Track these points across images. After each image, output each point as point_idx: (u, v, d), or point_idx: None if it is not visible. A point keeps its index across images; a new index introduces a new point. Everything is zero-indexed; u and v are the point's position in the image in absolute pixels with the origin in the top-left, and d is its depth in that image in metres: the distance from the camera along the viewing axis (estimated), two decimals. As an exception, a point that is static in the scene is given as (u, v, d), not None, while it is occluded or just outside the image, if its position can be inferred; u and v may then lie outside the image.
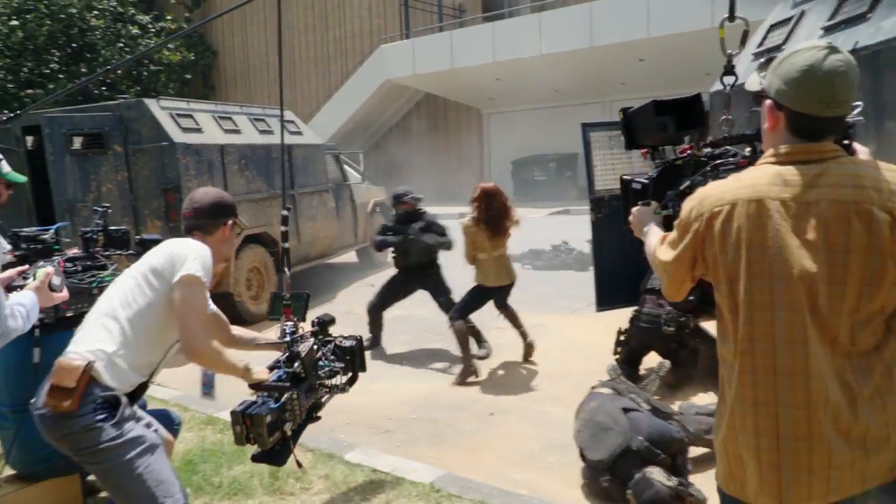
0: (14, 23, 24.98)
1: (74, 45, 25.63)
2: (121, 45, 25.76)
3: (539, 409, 4.65)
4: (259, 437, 2.37)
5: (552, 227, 12.75)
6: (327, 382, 2.71)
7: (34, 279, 2.45)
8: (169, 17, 27.91)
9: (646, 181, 2.39)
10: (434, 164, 23.40)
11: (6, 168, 3.32)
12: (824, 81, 1.51)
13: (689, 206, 1.68)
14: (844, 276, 1.48)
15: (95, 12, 25.81)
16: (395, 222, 6.35)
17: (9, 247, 2.78)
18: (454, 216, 9.72)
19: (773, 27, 3.86)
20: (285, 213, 2.95)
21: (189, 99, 7.67)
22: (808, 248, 1.50)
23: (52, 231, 2.90)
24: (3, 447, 2.89)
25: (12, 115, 4.17)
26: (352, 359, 2.85)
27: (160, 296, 2.33)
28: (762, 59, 3.81)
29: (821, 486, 1.50)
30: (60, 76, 25.17)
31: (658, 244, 1.81)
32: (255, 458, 2.55)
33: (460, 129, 25.40)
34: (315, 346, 2.72)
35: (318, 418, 2.75)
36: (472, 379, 5.34)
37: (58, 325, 2.79)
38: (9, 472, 3.04)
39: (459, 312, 5.59)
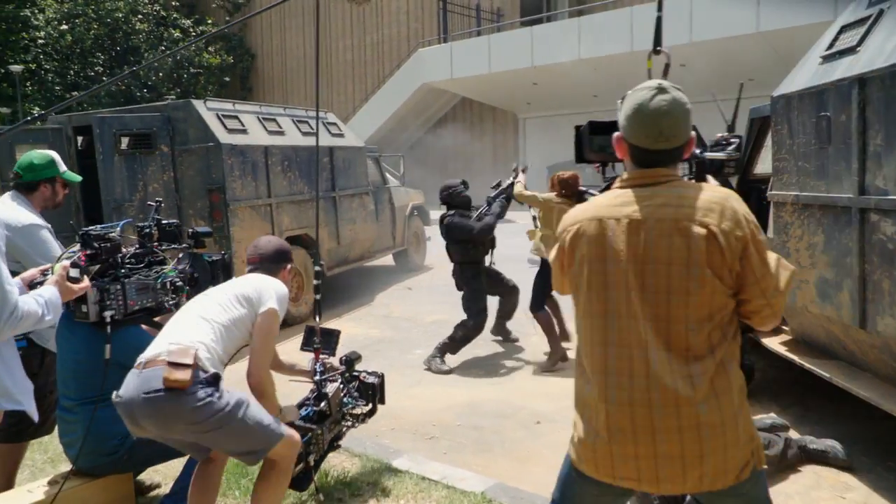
0: (64, 27, 25.63)
1: (119, 48, 26.17)
2: (163, 48, 26.23)
3: (587, 418, 4.53)
4: None
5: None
6: (348, 416, 3.16)
7: (52, 274, 2.57)
8: (210, 21, 28.35)
9: (595, 194, 2.56)
10: (470, 168, 23.35)
11: (63, 167, 3.34)
12: (650, 119, 1.72)
13: (562, 222, 1.92)
14: (668, 285, 1.68)
15: (140, 16, 26.33)
16: (458, 215, 5.85)
17: (75, 248, 2.78)
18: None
19: (844, 28, 3.71)
20: (318, 268, 3.42)
21: (234, 100, 7.72)
22: (638, 261, 1.70)
23: (118, 228, 2.91)
24: (68, 440, 2.89)
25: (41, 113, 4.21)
26: (373, 394, 3.30)
27: (243, 316, 2.72)
28: (832, 62, 3.67)
29: (648, 471, 1.71)
30: (104, 78, 25.72)
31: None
32: None
33: (496, 133, 25.34)
34: (341, 386, 3.18)
35: (339, 447, 3.22)
36: (559, 365, 5.60)
37: (125, 321, 2.82)
38: (62, 468, 3.04)
39: (537, 301, 5.75)
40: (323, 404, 3.03)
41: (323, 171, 8.29)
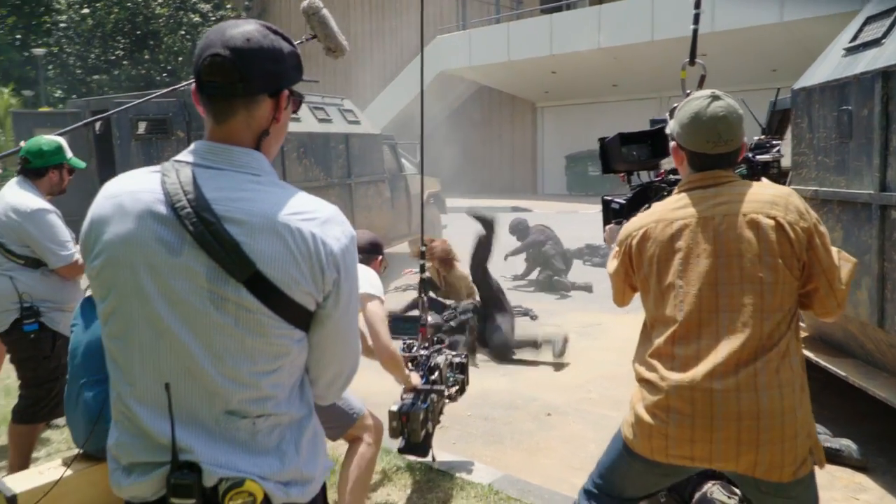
0: (85, 11, 25.78)
1: (139, 32, 26.27)
2: (182, 32, 26.30)
3: (597, 411, 4.52)
4: (414, 431, 3.01)
5: (607, 224, 12.48)
6: (446, 392, 3.30)
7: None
8: (229, 6, 28.37)
9: (623, 202, 2.66)
10: (487, 156, 23.29)
11: (70, 154, 3.35)
12: (708, 125, 1.82)
13: (623, 230, 2.01)
14: (741, 276, 1.76)
15: (160, 1, 26.40)
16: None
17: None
18: (507, 209, 9.68)
19: (870, 19, 3.62)
20: (423, 248, 3.69)
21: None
22: (710, 256, 1.79)
23: None
24: (81, 423, 2.91)
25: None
26: (463, 370, 3.49)
27: None
28: (856, 55, 3.59)
29: (702, 452, 1.79)
30: (125, 62, 25.87)
31: (610, 258, 2.11)
32: (402, 451, 3.15)
33: (514, 121, 25.20)
34: (447, 360, 3.39)
35: (440, 421, 3.35)
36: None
37: None
38: (68, 452, 3.07)
39: None
40: (435, 374, 3.24)
41: (338, 158, 8.28)
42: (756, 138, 2.75)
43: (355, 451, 2.79)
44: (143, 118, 6.59)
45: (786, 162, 4.76)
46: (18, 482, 2.82)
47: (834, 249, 1.83)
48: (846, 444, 3.57)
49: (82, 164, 3.47)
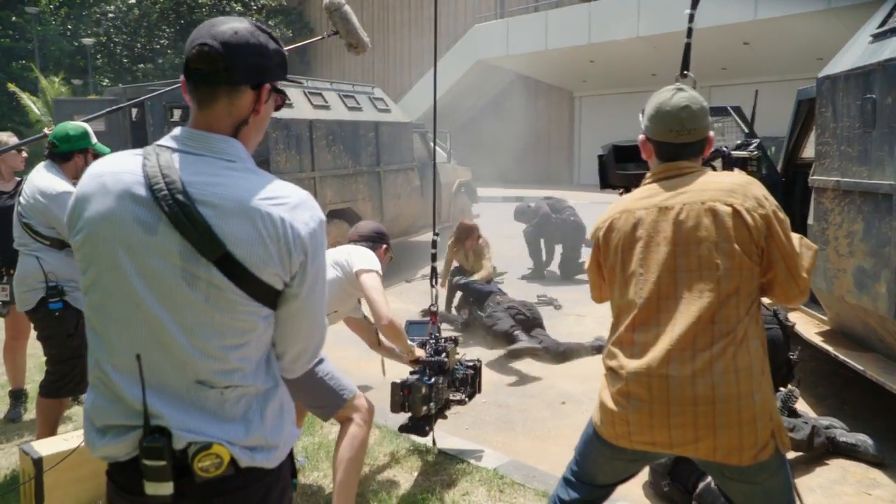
0: (131, 1, 26.39)
1: (183, 21, 26.78)
2: (225, 21, 26.74)
3: (613, 401, 4.50)
4: (414, 404, 3.05)
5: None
6: (452, 397, 3.38)
7: None
8: (270, -5, 28.70)
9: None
10: (524, 146, 23.13)
11: (94, 139, 3.48)
12: (672, 115, 1.88)
13: (595, 223, 2.06)
14: (699, 263, 1.79)
15: (203, -10, 26.85)
16: None
17: None
18: (540, 199, 9.63)
19: (899, 5, 3.52)
20: (435, 237, 3.69)
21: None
22: (670, 243, 1.83)
23: None
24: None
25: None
26: (474, 377, 3.50)
27: (336, 279, 3.06)
28: (882, 41, 3.49)
29: (662, 438, 1.82)
30: (169, 51, 26.42)
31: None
32: (402, 429, 3.24)
33: (551, 111, 24.98)
34: (455, 348, 3.40)
35: (446, 417, 3.43)
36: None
37: None
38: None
39: None
40: (443, 355, 3.28)
41: (368, 146, 8.35)
42: (738, 141, 2.77)
43: (346, 431, 2.84)
44: (177, 105, 6.75)
45: (809, 152, 4.67)
46: (44, 447, 3.00)
47: (796, 236, 1.84)
48: (862, 440, 3.50)
49: (107, 150, 3.59)
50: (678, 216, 1.83)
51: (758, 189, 1.84)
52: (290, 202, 1.30)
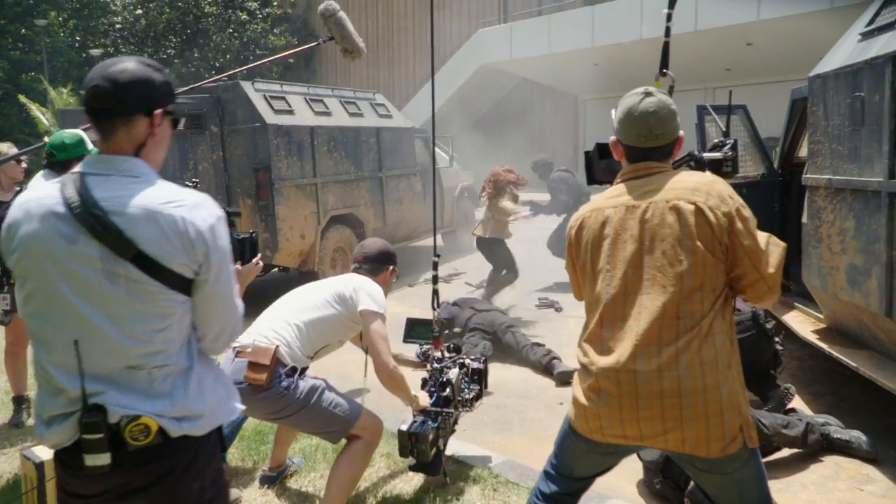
0: (138, 12, 26.64)
1: (189, 31, 27.00)
2: (230, 30, 26.91)
3: (611, 401, 4.52)
4: (422, 452, 2.96)
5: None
6: (455, 413, 3.25)
7: None
8: (275, 4, 28.87)
9: None
10: (528, 149, 23.13)
11: (90, 146, 3.54)
12: (640, 120, 1.93)
13: (569, 223, 2.10)
14: (663, 259, 1.83)
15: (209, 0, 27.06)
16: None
17: None
18: (543, 203, 9.63)
19: (887, 3, 3.53)
20: (436, 259, 3.54)
21: (283, 81, 7.89)
22: (636, 240, 1.88)
23: None
24: None
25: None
26: (479, 379, 3.45)
27: (336, 314, 2.96)
28: (870, 40, 3.51)
29: (633, 430, 1.87)
30: (176, 61, 26.64)
31: None
32: (413, 469, 3.12)
33: (556, 114, 25.00)
34: (460, 374, 3.33)
35: (454, 431, 3.33)
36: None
37: None
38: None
39: None
40: (447, 390, 3.20)
41: (369, 151, 8.41)
42: (716, 140, 2.79)
43: (349, 448, 2.88)
44: (179, 113, 6.82)
45: (805, 152, 4.68)
46: (45, 452, 3.04)
47: (763, 235, 1.87)
48: (856, 436, 3.51)
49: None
50: (644, 214, 1.88)
51: (722, 187, 1.88)
52: (187, 203, 1.53)
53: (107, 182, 1.50)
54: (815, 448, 3.50)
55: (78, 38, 30.21)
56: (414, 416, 3.12)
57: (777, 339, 3.90)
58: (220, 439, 1.68)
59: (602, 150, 2.51)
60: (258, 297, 3.29)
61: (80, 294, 1.47)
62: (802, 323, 4.40)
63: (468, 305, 6.01)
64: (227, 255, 1.59)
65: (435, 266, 3.58)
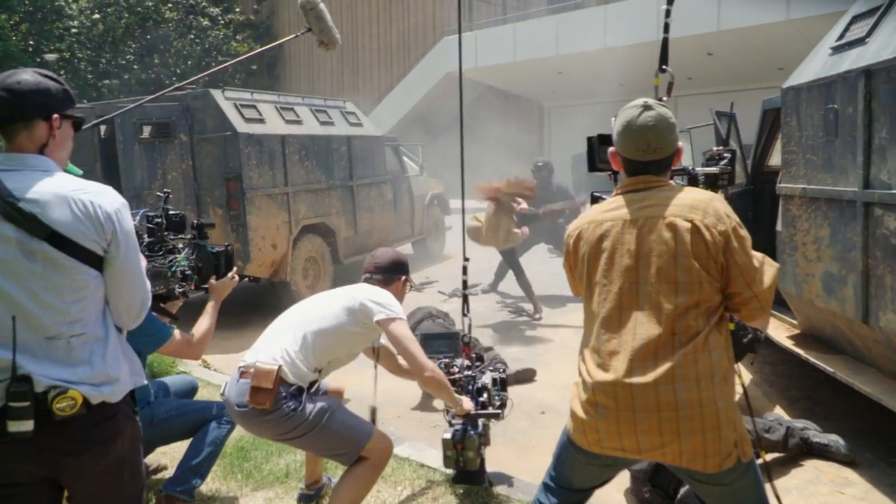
0: (96, 16, 26.05)
1: (149, 37, 26.50)
2: (191, 36, 26.49)
3: (591, 409, 4.54)
4: (470, 459, 2.88)
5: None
6: (500, 414, 3.18)
7: None
8: (238, 10, 28.54)
9: (605, 199, 2.72)
10: (494, 157, 23.26)
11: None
12: (638, 134, 1.93)
13: (567, 230, 2.12)
14: (658, 275, 1.85)
15: (170, 5, 26.61)
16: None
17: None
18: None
19: (856, 18, 3.64)
20: (465, 263, 3.50)
21: (253, 90, 7.79)
22: (632, 255, 1.89)
23: (138, 216, 2.96)
24: None
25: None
26: (504, 388, 3.35)
27: (343, 325, 2.80)
28: (841, 53, 3.61)
29: (631, 444, 1.88)
30: (135, 67, 26.11)
31: None
32: (456, 480, 3.09)
33: (521, 122, 25.19)
34: (493, 379, 3.25)
35: (489, 443, 3.19)
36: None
37: None
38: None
39: None
40: (484, 396, 3.13)
41: (340, 160, 8.35)
42: (712, 149, 2.81)
43: (356, 467, 2.78)
44: (147, 122, 6.68)
45: (776, 161, 4.79)
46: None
47: (758, 255, 1.89)
48: (834, 440, 3.59)
49: (79, 171, 3.53)
50: (641, 229, 1.89)
51: (719, 205, 1.89)
52: (94, 191, 1.77)
53: (17, 175, 1.71)
54: (795, 452, 3.57)
55: (31, 43, 29.39)
56: (452, 423, 3.04)
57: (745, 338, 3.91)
58: (132, 401, 1.88)
59: (603, 138, 2.52)
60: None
61: (2, 273, 1.66)
62: (777, 329, 4.49)
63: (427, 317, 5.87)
64: (133, 237, 1.82)
65: (465, 271, 3.55)
